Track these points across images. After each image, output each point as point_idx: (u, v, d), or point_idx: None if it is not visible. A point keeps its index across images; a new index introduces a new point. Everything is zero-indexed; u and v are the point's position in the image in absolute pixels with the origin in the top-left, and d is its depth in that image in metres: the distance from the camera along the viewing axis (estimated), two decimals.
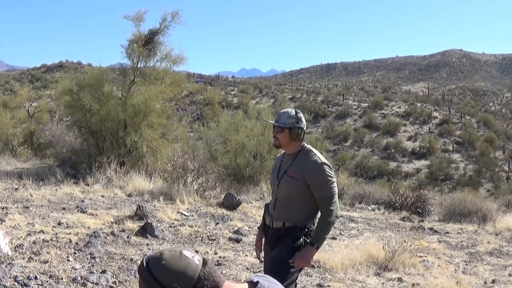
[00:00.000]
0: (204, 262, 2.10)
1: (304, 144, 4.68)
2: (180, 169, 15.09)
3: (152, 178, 16.17)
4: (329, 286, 7.48)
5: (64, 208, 11.42)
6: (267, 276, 2.37)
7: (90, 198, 13.24)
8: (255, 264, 8.24)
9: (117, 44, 19.42)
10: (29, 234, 8.65)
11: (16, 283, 6.18)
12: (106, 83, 17.75)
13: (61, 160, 18.44)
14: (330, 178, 4.50)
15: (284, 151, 4.83)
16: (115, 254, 8.06)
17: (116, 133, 18.10)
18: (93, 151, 18.12)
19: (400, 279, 8.11)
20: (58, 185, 14.70)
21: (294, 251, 4.45)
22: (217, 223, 11.70)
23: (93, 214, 10.96)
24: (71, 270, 6.93)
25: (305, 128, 4.62)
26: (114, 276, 6.95)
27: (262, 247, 4.95)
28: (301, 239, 4.49)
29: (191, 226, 10.98)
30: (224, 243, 9.84)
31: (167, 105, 19.27)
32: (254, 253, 6.30)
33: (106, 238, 8.90)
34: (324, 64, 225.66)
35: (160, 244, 9.12)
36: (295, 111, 4.61)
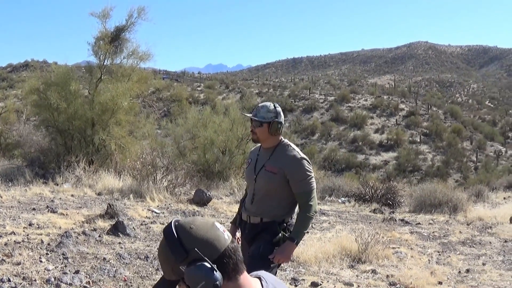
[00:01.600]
0: (232, 240, 2.07)
1: (281, 138, 4.70)
2: (149, 166, 15.10)
3: (122, 176, 16.10)
4: (303, 279, 7.59)
5: (34, 209, 11.35)
6: (269, 274, 2.39)
7: (60, 198, 13.16)
8: None
9: (84, 42, 19.28)
10: (0, 236, 8.62)
11: None
12: (73, 82, 17.61)
13: (30, 160, 18.26)
14: (309, 173, 4.54)
15: (260, 144, 4.84)
16: (87, 253, 8.07)
17: (84, 131, 18.00)
18: (61, 150, 17.97)
19: (374, 271, 8.24)
20: (27, 185, 14.58)
21: (273, 246, 4.48)
22: None
23: (63, 214, 10.92)
24: (44, 271, 6.94)
25: (283, 122, 4.63)
26: (88, 276, 6.98)
27: (237, 242, 4.97)
28: (280, 234, 4.50)
29: (163, 224, 11.01)
30: None
31: (134, 102, 19.23)
32: None
33: (77, 238, 8.90)
34: (290, 58, 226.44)
35: (132, 242, 9.15)
36: (274, 105, 4.61)
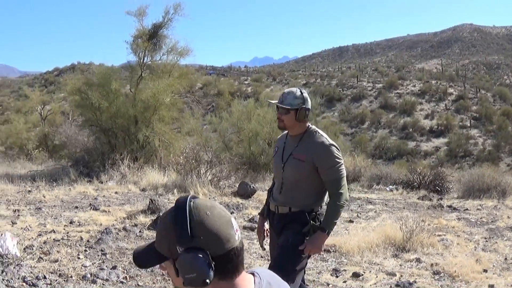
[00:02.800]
0: (241, 242, 1.85)
1: (309, 125, 4.46)
2: (193, 161, 14.99)
3: (166, 171, 16.11)
4: (345, 270, 7.30)
5: (76, 207, 11.37)
6: (264, 269, 2.13)
7: (104, 195, 13.20)
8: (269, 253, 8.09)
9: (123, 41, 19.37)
10: (40, 235, 8.60)
11: (24, 284, 6.11)
12: (114, 81, 17.68)
13: (75, 160, 18.44)
14: (338, 160, 4.28)
15: (286, 132, 4.60)
16: (126, 249, 7.95)
17: (127, 129, 18.08)
18: (106, 148, 18.11)
19: (418, 260, 7.89)
20: (71, 184, 14.68)
21: (303, 236, 4.24)
22: (231, 212, 11.55)
23: (105, 211, 10.90)
24: (81, 268, 6.85)
25: (311, 108, 4.40)
26: (125, 271, 6.84)
27: (265, 234, 4.73)
28: (310, 223, 4.26)
29: None
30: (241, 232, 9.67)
31: (176, 98, 19.18)
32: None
33: (118, 234, 8.81)
34: (336, 47, 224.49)
35: None
36: (301, 91, 4.37)
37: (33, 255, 7.29)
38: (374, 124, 62.40)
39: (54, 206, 11.46)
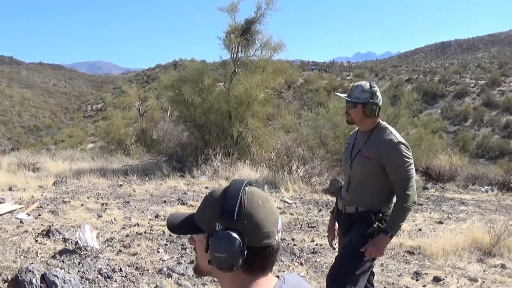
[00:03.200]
0: (279, 244, 1.76)
1: (379, 121, 4.21)
2: (284, 157, 14.80)
3: (258, 167, 16.01)
4: (426, 273, 6.82)
5: (165, 201, 11.42)
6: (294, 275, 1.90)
7: (194, 190, 13.22)
8: None
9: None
10: (123, 228, 8.64)
11: (99, 276, 6.08)
12: (206, 76, 17.76)
13: (168, 155, 18.68)
14: (407, 160, 4.01)
15: (357, 128, 4.36)
16: None
17: (221, 124, 18.13)
18: (199, 143, 18.26)
19: (503, 266, 7.23)
20: (163, 179, 14.85)
21: (367, 238, 4.02)
22: (319, 210, 11.27)
23: (193, 206, 10.88)
24: (159, 262, 6.77)
25: (380, 104, 4.14)
26: None
27: (335, 234, 4.52)
28: (375, 225, 4.04)
29: (292, 214, 10.63)
30: (324, 230, 9.33)
31: (270, 94, 19.04)
32: None
33: None
34: (439, 42, 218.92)
35: None
36: (370, 85, 4.14)
37: (113, 248, 7.29)
38: (477, 122, 60.10)
39: (142, 200, 11.56)
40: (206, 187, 13.72)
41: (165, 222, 8.91)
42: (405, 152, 4.01)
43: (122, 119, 31.21)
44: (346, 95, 4.19)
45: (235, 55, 18.87)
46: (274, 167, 14.83)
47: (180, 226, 1.80)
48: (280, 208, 11.16)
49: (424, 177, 18.73)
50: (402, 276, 6.72)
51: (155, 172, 15.82)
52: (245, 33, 18.78)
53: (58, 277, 5.49)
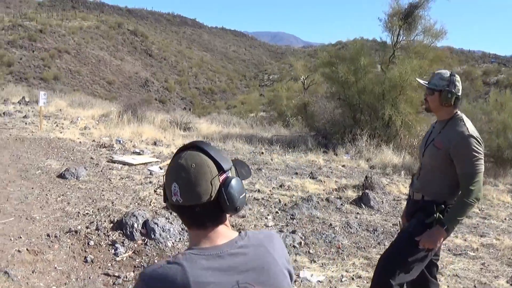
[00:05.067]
0: (212, 203, 1.83)
1: (457, 112, 4.14)
2: None
3: (402, 152, 15.85)
4: None
5: (296, 173, 11.75)
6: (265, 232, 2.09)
7: (330, 167, 13.42)
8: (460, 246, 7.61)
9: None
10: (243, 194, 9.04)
11: None
12: (363, 57, 17.73)
13: (317, 129, 18.94)
14: (475, 154, 3.90)
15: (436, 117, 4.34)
16: (317, 218, 8.07)
17: (373, 106, 18.03)
18: (349, 122, 18.31)
19: None
20: (306, 152, 15.16)
21: (425, 227, 4.00)
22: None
23: (321, 181, 11.10)
24: (262, 227, 7.14)
25: (459, 94, 4.08)
26: (304, 237, 6.97)
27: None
28: (436, 215, 3.99)
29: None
30: None
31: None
32: None
33: (318, 203, 8.95)
34: None
35: (372, 215, 8.88)
36: (451, 74, 4.10)
37: None
38: None
39: (276, 169, 11.98)
40: (343, 165, 13.87)
41: (286, 192, 9.27)
42: (475, 146, 3.91)
43: (286, 91, 31.80)
44: (427, 82, 4.19)
45: (395, 38, 18.63)
46: (414, 154, 14.61)
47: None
48: (405, 194, 10.99)
49: None
50: (498, 278, 6.55)
51: (300, 145, 16.18)
52: (407, 17, 18.43)
53: (158, 225, 6.02)
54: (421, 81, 4.33)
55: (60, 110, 21.60)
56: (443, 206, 4.03)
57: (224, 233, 1.89)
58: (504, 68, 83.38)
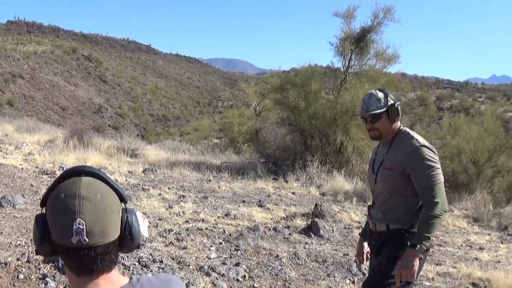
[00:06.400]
0: (84, 247, 1.48)
1: (400, 126, 3.88)
2: None
3: (355, 179, 15.63)
4: None
5: (244, 201, 11.42)
6: (163, 277, 1.69)
7: (279, 194, 13.11)
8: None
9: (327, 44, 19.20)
10: (187, 222, 8.70)
11: (137, 263, 6.14)
12: (314, 82, 17.58)
13: (266, 156, 18.67)
14: (431, 163, 3.61)
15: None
16: (263, 249, 7.69)
17: (324, 132, 17.85)
18: (299, 148, 18.10)
19: None
20: (255, 179, 14.85)
21: (396, 262, 3.65)
22: None
23: (269, 209, 10.77)
24: (204, 259, 6.73)
25: (398, 102, 3.83)
26: (248, 270, 6.57)
27: (366, 256, 4.20)
28: (407, 244, 3.63)
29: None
30: None
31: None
32: None
33: (265, 233, 8.60)
34: None
35: (321, 244, 8.55)
36: (378, 90, 3.83)
37: (165, 239, 7.33)
38: None
39: (223, 197, 11.62)
40: (293, 193, 13.59)
41: (232, 222, 8.90)
42: (429, 156, 3.63)
43: (238, 117, 31.62)
44: (363, 112, 3.83)
45: (347, 63, 18.55)
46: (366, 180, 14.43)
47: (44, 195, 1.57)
48: (359, 222, 10.73)
49: None
50: None
51: (249, 172, 15.87)
52: (359, 41, 18.37)
53: None
54: (363, 113, 3.96)
55: (6, 135, 20.94)
56: (413, 230, 3.70)
57: (115, 280, 1.54)
58: (457, 94, 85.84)
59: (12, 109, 70.67)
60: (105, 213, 1.46)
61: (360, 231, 5.72)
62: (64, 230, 1.44)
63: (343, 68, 18.66)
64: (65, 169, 13.23)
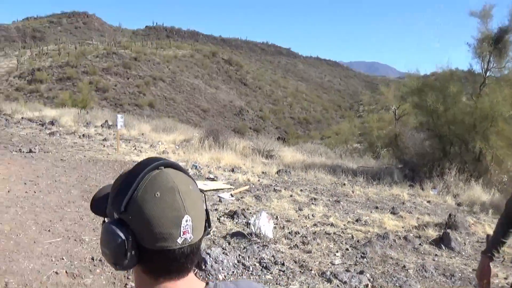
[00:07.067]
0: (188, 248, 1.35)
1: None
2: None
3: (492, 189, 14.84)
4: None
5: (376, 207, 11.19)
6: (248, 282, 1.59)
7: (414, 202, 12.74)
8: None
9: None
10: (315, 225, 8.64)
11: (257, 264, 6.18)
12: (452, 85, 16.87)
13: (404, 162, 18.18)
14: None
15: None
16: (391, 258, 7.48)
17: (463, 138, 17.07)
18: (438, 155, 17.41)
19: None
20: (390, 185, 14.53)
21: None
22: None
23: (401, 217, 10.47)
24: (328, 264, 6.67)
25: None
26: (372, 279, 6.41)
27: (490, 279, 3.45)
28: None
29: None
30: None
31: None
32: None
33: (394, 241, 8.35)
34: None
35: (451, 257, 8.15)
36: None
37: (291, 241, 7.32)
38: None
39: (355, 202, 11.47)
40: (429, 201, 13.14)
41: (361, 228, 8.76)
42: None
43: (377, 122, 31.15)
44: None
45: (485, 65, 17.66)
46: (504, 191, 13.64)
47: (97, 205, 1.47)
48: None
49: None
50: None
51: (385, 177, 15.56)
52: (497, 42, 17.40)
53: (210, 256, 5.69)
54: None
55: (143, 134, 21.89)
56: None
57: (194, 282, 1.42)
58: None
59: (152, 110, 73.36)
60: (201, 204, 1.37)
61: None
62: (168, 232, 1.31)
63: (482, 70, 17.76)
64: (197, 167, 13.66)
